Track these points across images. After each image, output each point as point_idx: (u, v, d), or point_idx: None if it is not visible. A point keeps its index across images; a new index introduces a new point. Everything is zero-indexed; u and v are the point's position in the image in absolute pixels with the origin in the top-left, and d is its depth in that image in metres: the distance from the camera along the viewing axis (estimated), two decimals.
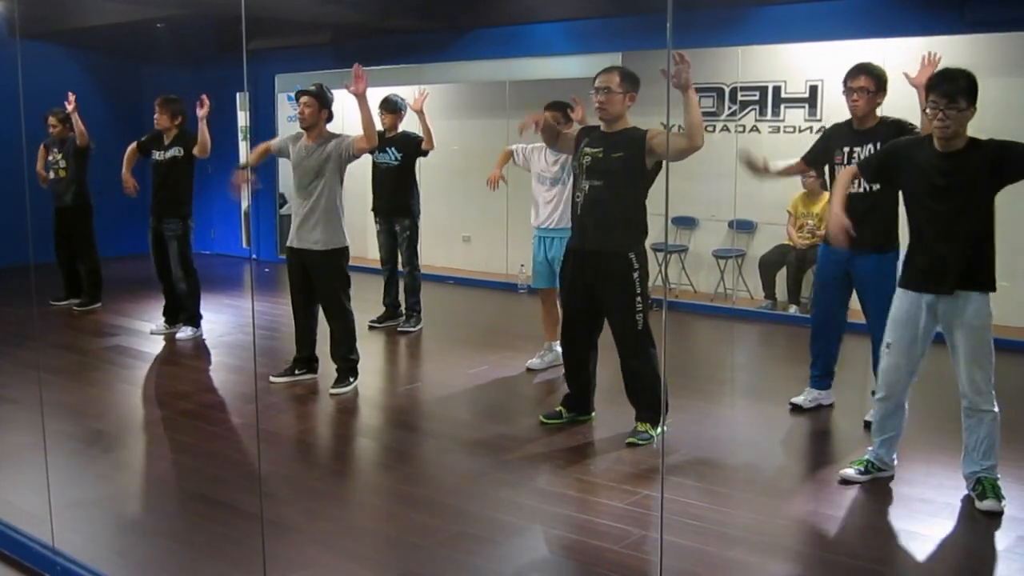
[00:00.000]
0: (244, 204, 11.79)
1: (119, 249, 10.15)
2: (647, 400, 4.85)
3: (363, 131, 5.56)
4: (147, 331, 7.48)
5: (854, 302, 5.18)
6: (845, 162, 4.93)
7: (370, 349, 6.76)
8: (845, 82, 4.96)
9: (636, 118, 4.87)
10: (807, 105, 8.20)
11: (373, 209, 7.59)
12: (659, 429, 4.80)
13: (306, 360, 6.03)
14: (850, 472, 4.27)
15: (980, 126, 3.92)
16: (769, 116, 8.43)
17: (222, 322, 7.91)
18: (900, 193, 4.19)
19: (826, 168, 5.22)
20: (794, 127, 8.25)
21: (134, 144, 7.34)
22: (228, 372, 6.53)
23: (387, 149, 7.25)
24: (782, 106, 8.37)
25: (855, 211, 4.82)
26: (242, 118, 11.65)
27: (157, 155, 7.13)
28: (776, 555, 3.61)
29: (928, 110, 3.85)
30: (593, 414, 5.20)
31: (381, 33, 9.89)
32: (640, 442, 4.77)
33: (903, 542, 3.76)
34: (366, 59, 10.34)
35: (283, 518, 3.88)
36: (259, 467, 4.45)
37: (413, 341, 7.37)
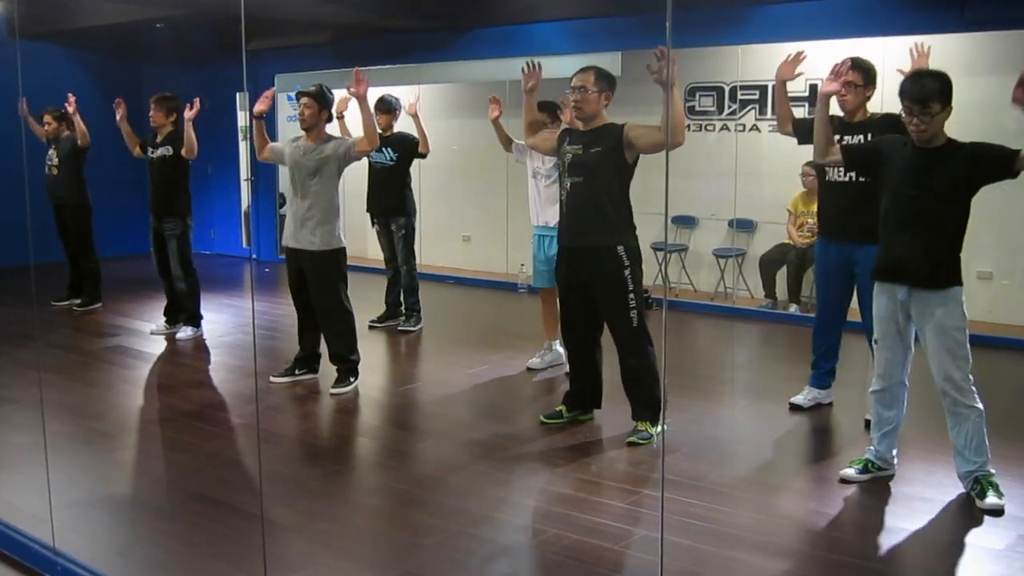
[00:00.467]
0: (244, 204, 11.80)
1: (119, 249, 10.16)
2: (646, 399, 4.85)
3: (364, 133, 5.57)
4: (147, 331, 7.48)
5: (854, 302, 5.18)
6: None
7: (370, 349, 6.76)
8: (852, 76, 4.94)
9: (638, 117, 4.86)
10: (807, 104, 8.19)
11: (368, 210, 7.59)
12: (659, 428, 4.80)
13: (307, 360, 6.03)
14: (850, 472, 4.27)
15: (980, 124, 3.93)
16: (769, 115, 8.41)
17: (222, 322, 7.91)
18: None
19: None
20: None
21: (139, 142, 7.33)
22: (228, 372, 6.53)
23: (383, 149, 7.26)
24: None
25: (850, 203, 4.83)
26: (242, 118, 11.64)
27: (151, 152, 7.14)
28: (776, 554, 3.61)
29: (903, 115, 3.88)
30: (595, 412, 5.19)
31: (380, 33, 9.89)
32: (640, 441, 4.77)
33: (903, 541, 3.76)
34: (365, 59, 10.38)
35: (283, 518, 3.88)
36: (259, 467, 4.45)
37: (413, 341, 7.37)
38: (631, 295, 4.77)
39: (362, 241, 10.60)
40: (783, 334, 7.67)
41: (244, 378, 6.23)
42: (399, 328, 7.51)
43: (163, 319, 7.47)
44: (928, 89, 3.80)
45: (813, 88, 8.08)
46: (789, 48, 8.36)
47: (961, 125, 4.18)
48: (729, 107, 8.62)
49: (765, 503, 4.09)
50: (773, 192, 8.37)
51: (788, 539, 3.78)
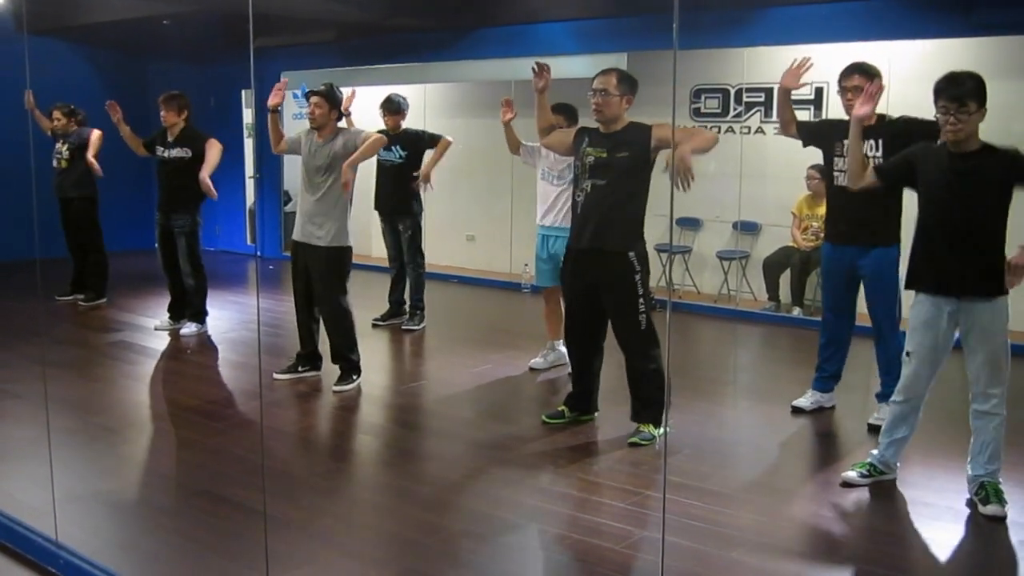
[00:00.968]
0: (250, 201, 11.82)
1: (124, 244, 10.18)
2: (650, 400, 4.85)
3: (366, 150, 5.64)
4: (151, 327, 7.49)
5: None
6: (843, 155, 4.94)
7: (373, 347, 6.77)
8: (840, 81, 4.95)
9: (644, 118, 4.85)
10: (812, 107, 8.19)
11: (376, 207, 7.60)
12: (661, 430, 4.80)
13: (309, 357, 6.04)
14: (852, 475, 4.27)
15: (988, 128, 3.92)
16: (774, 117, 8.38)
17: (226, 318, 7.93)
18: (902, 191, 4.20)
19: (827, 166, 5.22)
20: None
21: (143, 142, 7.33)
22: (232, 368, 6.54)
23: (391, 147, 7.26)
24: None
25: (858, 208, 4.82)
26: (247, 115, 11.66)
27: (162, 152, 7.13)
28: (777, 557, 3.62)
29: (939, 115, 3.85)
30: (596, 414, 5.20)
31: (386, 31, 9.90)
32: (642, 442, 4.77)
33: (904, 545, 3.77)
34: (371, 57, 10.41)
35: (286, 514, 3.89)
36: (262, 463, 4.46)
37: (416, 339, 7.38)
38: (640, 299, 4.77)
39: (367, 239, 10.61)
40: (786, 337, 7.66)
41: (247, 374, 6.24)
42: (402, 327, 7.52)
43: (167, 315, 7.48)
44: (966, 88, 3.77)
45: (819, 92, 8.09)
46: (794, 51, 8.36)
47: None
48: (734, 109, 8.62)
49: (766, 505, 4.09)
50: (777, 195, 8.37)
51: (789, 541, 3.78)
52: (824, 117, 7.94)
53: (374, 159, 7.37)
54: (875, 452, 4.29)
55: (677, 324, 7.92)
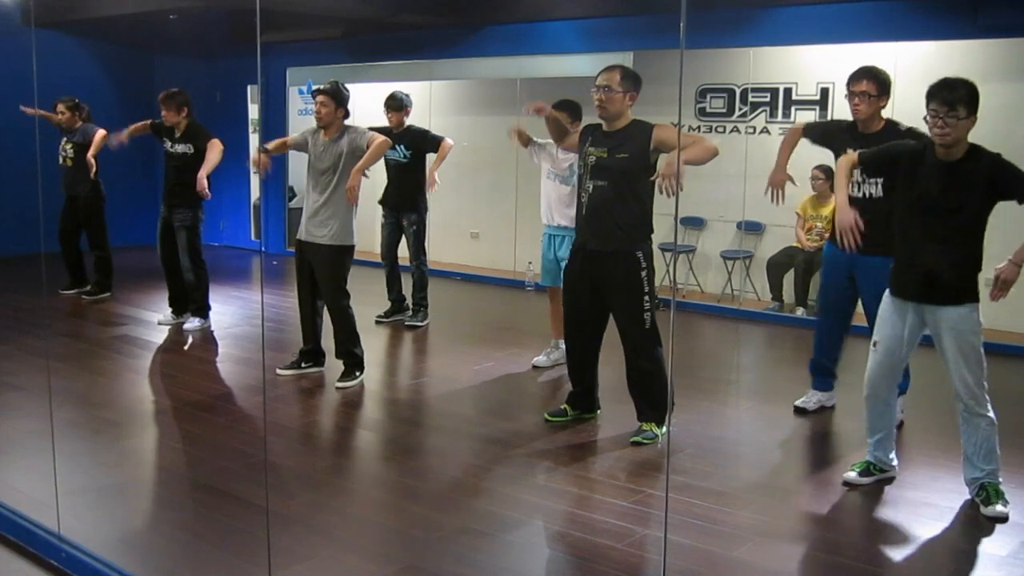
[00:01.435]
0: (254, 196, 11.83)
1: (129, 238, 10.18)
2: (653, 399, 4.85)
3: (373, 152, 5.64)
4: (155, 321, 7.50)
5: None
6: None
7: (377, 343, 6.78)
8: (848, 85, 4.92)
9: (649, 117, 4.84)
10: (818, 107, 8.19)
11: (381, 201, 7.60)
12: (664, 428, 4.80)
13: (312, 353, 6.05)
14: (852, 475, 4.27)
15: (991, 129, 3.91)
16: (780, 118, 8.42)
17: (230, 314, 7.94)
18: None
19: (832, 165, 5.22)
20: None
21: (148, 122, 7.35)
22: (235, 363, 6.55)
23: (396, 146, 7.26)
24: (793, 108, 8.36)
25: (863, 215, 4.81)
26: (253, 111, 11.67)
27: (169, 146, 7.15)
28: (778, 556, 3.62)
29: (928, 118, 3.84)
30: (598, 412, 5.20)
31: (392, 28, 9.91)
32: (645, 441, 4.77)
33: (906, 546, 3.76)
34: (377, 54, 10.42)
35: (288, 509, 3.90)
36: (265, 458, 4.47)
37: (420, 336, 7.38)
38: (646, 297, 4.76)
39: (369, 236, 10.62)
40: (789, 337, 7.66)
41: (250, 370, 6.25)
42: (406, 323, 7.52)
43: (170, 309, 7.49)
44: (958, 93, 3.75)
45: (824, 92, 8.09)
46: (801, 51, 8.38)
47: (974, 131, 4.16)
48: (740, 109, 8.61)
49: (768, 505, 4.09)
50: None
51: (791, 541, 3.78)
52: (830, 118, 7.94)
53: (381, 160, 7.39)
54: (869, 451, 4.30)
55: (681, 323, 7.93)
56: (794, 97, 8.34)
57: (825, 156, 5.45)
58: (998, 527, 3.84)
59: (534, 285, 8.98)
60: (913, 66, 7.34)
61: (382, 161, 7.46)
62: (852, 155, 4.33)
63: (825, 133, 5.28)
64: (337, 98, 5.70)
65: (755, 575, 3.47)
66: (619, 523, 3.84)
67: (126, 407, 5.52)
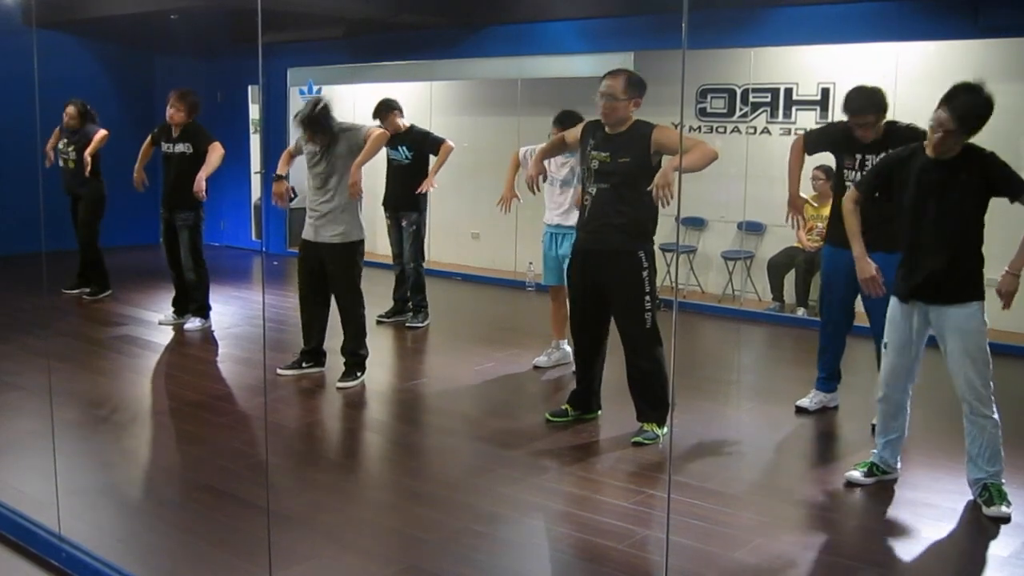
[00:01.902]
0: (255, 196, 11.82)
1: (129, 239, 10.19)
2: (654, 400, 4.85)
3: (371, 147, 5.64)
4: (156, 321, 7.50)
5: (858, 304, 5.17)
6: (856, 167, 4.93)
7: (378, 344, 6.77)
8: (846, 113, 4.89)
9: (650, 118, 4.84)
10: (819, 107, 8.18)
11: (383, 203, 7.61)
12: (665, 429, 4.80)
13: (313, 353, 6.04)
14: (855, 475, 4.27)
15: (993, 130, 3.91)
16: (780, 118, 8.41)
17: (230, 314, 7.93)
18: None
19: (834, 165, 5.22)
20: (805, 129, 8.22)
21: (149, 138, 7.36)
22: (235, 364, 6.55)
23: (398, 147, 7.26)
24: (794, 108, 8.35)
25: (871, 214, 4.79)
26: (254, 111, 11.67)
27: (166, 147, 7.15)
28: (780, 557, 3.61)
29: (931, 122, 3.83)
30: (599, 413, 5.20)
31: (393, 28, 9.90)
32: (646, 441, 4.77)
33: (908, 546, 3.76)
34: (378, 54, 10.40)
35: (288, 510, 3.89)
36: (266, 459, 4.47)
37: (420, 337, 7.38)
38: (647, 297, 4.76)
39: (371, 236, 10.61)
40: (790, 337, 7.66)
41: (251, 370, 6.25)
42: (407, 324, 7.52)
43: (171, 309, 7.50)
44: (963, 103, 3.75)
45: (825, 92, 8.08)
46: (801, 52, 8.38)
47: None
48: (740, 109, 8.61)
49: (770, 505, 4.09)
50: (783, 195, 8.30)
51: (793, 542, 3.78)
52: (829, 119, 7.94)
53: (383, 157, 7.39)
54: (875, 451, 4.29)
55: (682, 324, 7.92)
56: (795, 97, 8.33)
57: (826, 157, 5.45)
58: (1000, 528, 3.83)
59: (535, 285, 8.97)
60: (914, 66, 7.34)
61: (383, 164, 7.49)
62: (852, 192, 4.33)
63: (827, 139, 5.26)
64: (315, 124, 5.62)
65: None
66: (620, 524, 3.84)
67: (127, 407, 5.52)
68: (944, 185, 3.86)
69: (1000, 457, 3.96)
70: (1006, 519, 3.86)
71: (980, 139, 3.88)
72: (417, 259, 7.45)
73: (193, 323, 7.30)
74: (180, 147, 7.06)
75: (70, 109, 8.12)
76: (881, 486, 4.24)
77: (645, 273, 4.74)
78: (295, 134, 6.09)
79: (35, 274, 7.91)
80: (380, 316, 7.55)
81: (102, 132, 8.04)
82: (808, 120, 8.19)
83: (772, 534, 3.79)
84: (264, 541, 3.31)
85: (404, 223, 7.42)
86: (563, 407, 5.18)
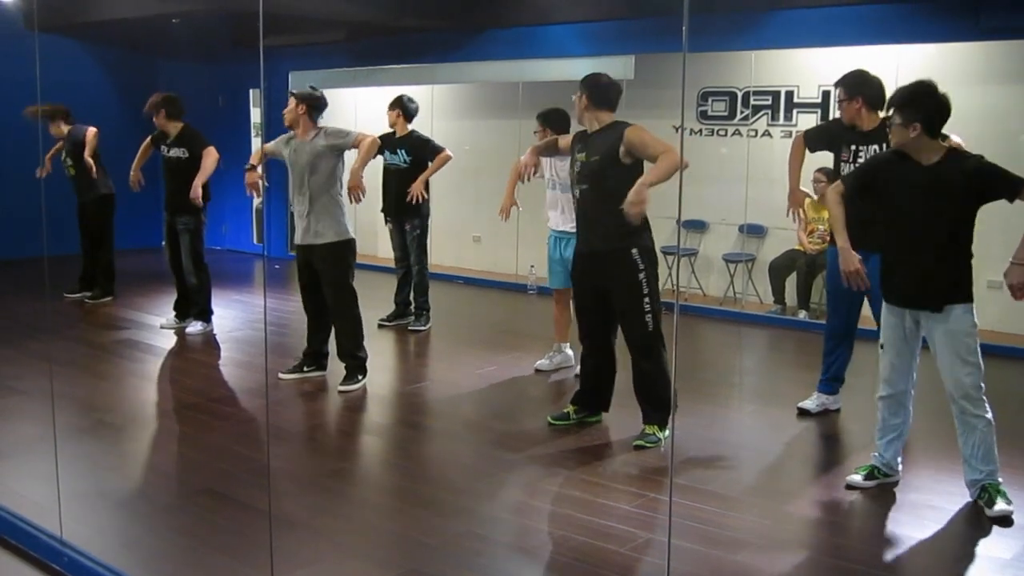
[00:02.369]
0: (256, 201, 11.82)
1: (131, 242, 10.19)
2: (656, 402, 4.84)
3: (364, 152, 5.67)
4: (157, 325, 7.50)
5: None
6: (851, 160, 4.95)
7: (379, 347, 6.78)
8: (839, 93, 5.02)
9: (650, 121, 4.84)
10: (819, 110, 8.19)
11: (383, 211, 7.59)
12: (667, 432, 4.79)
13: (315, 356, 6.04)
14: (856, 478, 4.27)
15: (993, 132, 3.91)
16: (781, 121, 8.41)
17: (232, 317, 7.94)
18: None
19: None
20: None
21: (148, 139, 7.38)
22: (237, 367, 6.55)
23: (397, 151, 7.26)
24: (794, 111, 8.35)
25: (864, 213, 4.81)
26: (256, 114, 11.68)
27: (164, 150, 7.17)
28: (783, 560, 3.61)
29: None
30: (602, 416, 5.19)
31: (395, 32, 9.91)
32: (648, 445, 4.77)
33: (909, 549, 3.75)
34: (379, 58, 10.40)
35: (290, 514, 3.89)
36: (268, 462, 4.47)
37: (422, 340, 7.38)
38: (646, 298, 4.76)
39: (372, 240, 10.63)
40: (792, 340, 7.65)
41: (253, 374, 6.25)
42: (409, 327, 7.52)
43: (173, 313, 7.50)
44: (905, 98, 3.85)
45: (825, 94, 8.08)
46: (802, 54, 8.38)
47: (974, 133, 4.17)
48: (741, 112, 8.61)
49: (772, 508, 4.08)
50: (784, 197, 8.33)
51: (794, 545, 3.78)
52: (829, 119, 7.93)
53: (380, 163, 7.39)
54: (876, 455, 4.29)
55: (683, 327, 7.92)
56: (795, 100, 8.34)
57: (827, 159, 5.45)
58: (1002, 530, 3.82)
59: (536, 288, 8.98)
60: (915, 69, 7.33)
61: (380, 170, 7.48)
62: (837, 185, 4.34)
63: (825, 136, 5.31)
64: (304, 99, 5.68)
65: None
66: (622, 527, 3.83)
67: (129, 411, 5.52)
68: (928, 189, 3.86)
69: (994, 456, 3.96)
70: (1008, 517, 3.85)
71: (982, 140, 3.88)
72: (422, 261, 7.45)
73: (195, 327, 7.30)
74: (176, 151, 7.07)
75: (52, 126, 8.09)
76: (883, 489, 4.23)
77: (642, 275, 4.73)
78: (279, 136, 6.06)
79: (37, 278, 7.91)
80: (381, 320, 7.55)
81: (91, 130, 8.02)
82: (809, 123, 8.17)
83: (774, 537, 3.79)
84: (266, 545, 3.31)
85: (407, 227, 7.42)
86: (565, 410, 5.18)
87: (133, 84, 11.55)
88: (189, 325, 7.34)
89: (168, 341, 7.13)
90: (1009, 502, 3.91)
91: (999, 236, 4.12)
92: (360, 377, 5.85)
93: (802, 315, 7.97)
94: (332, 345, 6.02)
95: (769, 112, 8.47)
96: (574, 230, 5.86)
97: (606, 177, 4.71)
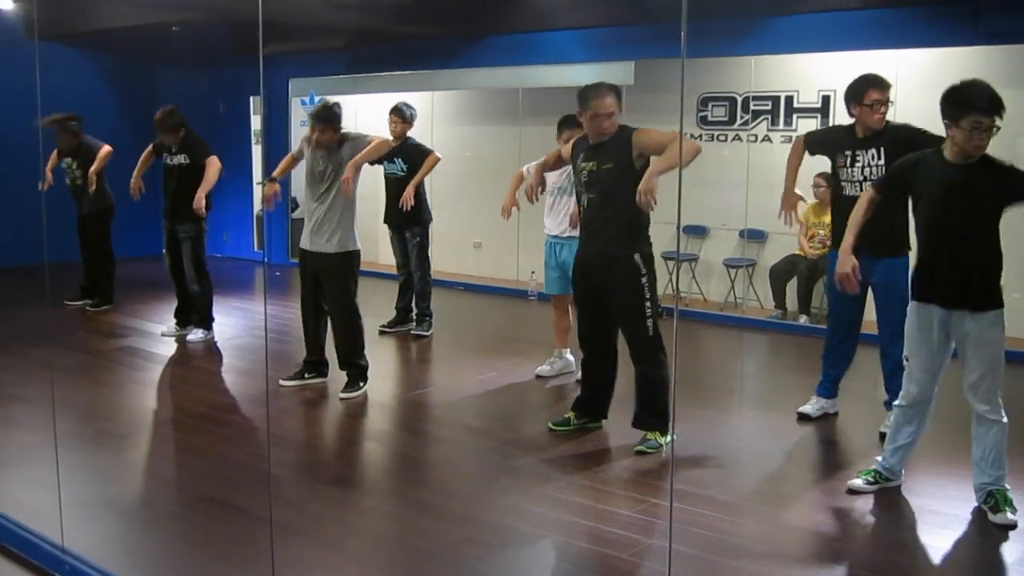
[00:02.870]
0: (257, 208, 11.84)
1: (132, 250, 10.19)
2: (656, 408, 4.84)
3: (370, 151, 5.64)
4: (158, 333, 7.50)
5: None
6: (847, 165, 4.95)
7: (380, 354, 6.78)
8: (859, 97, 4.91)
9: (651, 125, 4.84)
10: (819, 115, 8.19)
11: (385, 220, 7.60)
12: (668, 438, 4.79)
13: (316, 364, 6.04)
14: (858, 482, 4.26)
15: (994, 137, 3.91)
16: (781, 126, 8.42)
17: (233, 325, 7.94)
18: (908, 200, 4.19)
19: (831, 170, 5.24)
20: None
21: (150, 147, 7.39)
22: (238, 375, 6.55)
23: (395, 160, 7.26)
24: (794, 116, 8.36)
25: (883, 216, 4.79)
26: (256, 121, 11.69)
27: (167, 159, 7.18)
28: (784, 565, 3.61)
29: (964, 129, 3.78)
30: (603, 421, 5.19)
31: (394, 39, 9.93)
32: (649, 450, 4.76)
33: (912, 554, 3.75)
34: (379, 65, 10.42)
35: (291, 521, 3.89)
36: (268, 470, 4.46)
37: (423, 346, 7.38)
38: (647, 303, 4.76)
39: (373, 246, 10.62)
40: (793, 345, 7.65)
41: (254, 381, 6.25)
42: (411, 332, 7.53)
43: (174, 321, 7.50)
44: (999, 101, 3.74)
45: (826, 100, 8.09)
46: (802, 60, 8.38)
47: None
48: (741, 117, 8.62)
49: (773, 513, 4.08)
50: None
51: (796, 550, 3.77)
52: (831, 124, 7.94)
53: (380, 172, 7.40)
54: (880, 459, 4.28)
55: (684, 332, 7.92)
56: (795, 105, 8.34)
57: (827, 164, 5.45)
58: (1004, 535, 3.82)
59: (537, 295, 8.98)
60: (914, 73, 7.35)
61: (381, 180, 7.48)
62: (870, 191, 4.32)
63: (822, 142, 5.30)
64: (322, 119, 5.63)
65: None
66: (624, 533, 3.83)
67: (130, 418, 5.52)
68: (966, 189, 3.85)
69: (1004, 462, 3.95)
70: (1012, 526, 3.85)
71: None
72: (424, 268, 7.46)
73: (196, 334, 7.30)
74: (178, 158, 7.08)
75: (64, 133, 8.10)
76: (885, 493, 4.23)
77: (644, 280, 4.74)
78: (299, 140, 6.06)
79: (37, 285, 7.92)
80: (382, 326, 7.56)
81: (106, 148, 8.06)
82: (809, 128, 8.17)
83: (775, 542, 3.78)
84: (267, 552, 3.31)
85: (408, 235, 7.43)
86: (566, 416, 5.18)
87: (133, 92, 11.58)
88: (190, 333, 7.34)
89: (169, 349, 7.13)
90: (1014, 510, 3.89)
91: (1003, 239, 4.11)
92: (361, 384, 5.85)
93: (803, 320, 7.97)
94: (332, 352, 6.01)
95: (769, 117, 8.48)
96: (568, 234, 5.90)
97: (619, 185, 4.68)
